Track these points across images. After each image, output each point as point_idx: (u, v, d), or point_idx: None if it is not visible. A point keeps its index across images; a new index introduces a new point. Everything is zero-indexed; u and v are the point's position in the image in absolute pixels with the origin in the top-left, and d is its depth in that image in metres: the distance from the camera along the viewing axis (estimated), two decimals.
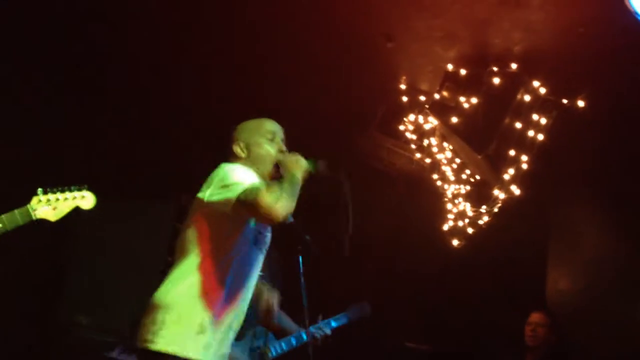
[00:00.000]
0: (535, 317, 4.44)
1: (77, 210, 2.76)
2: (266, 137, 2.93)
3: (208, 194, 2.64)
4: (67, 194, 2.71)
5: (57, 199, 2.67)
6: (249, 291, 2.78)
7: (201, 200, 2.67)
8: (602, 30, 3.58)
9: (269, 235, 2.91)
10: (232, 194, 2.55)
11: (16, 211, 2.60)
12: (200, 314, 2.60)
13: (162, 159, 5.49)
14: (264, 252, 2.89)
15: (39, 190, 2.65)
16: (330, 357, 3.95)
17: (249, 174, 2.70)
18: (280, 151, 2.92)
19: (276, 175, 2.84)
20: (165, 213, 4.89)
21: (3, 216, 2.57)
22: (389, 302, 4.50)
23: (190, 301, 2.60)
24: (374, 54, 4.17)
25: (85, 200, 2.75)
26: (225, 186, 2.59)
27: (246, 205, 2.51)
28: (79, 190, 2.74)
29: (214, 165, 5.51)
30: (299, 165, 2.76)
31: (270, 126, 2.98)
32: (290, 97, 4.85)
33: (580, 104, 3.90)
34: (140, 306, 4.53)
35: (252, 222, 2.76)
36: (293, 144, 5.22)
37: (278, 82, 4.69)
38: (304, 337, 3.92)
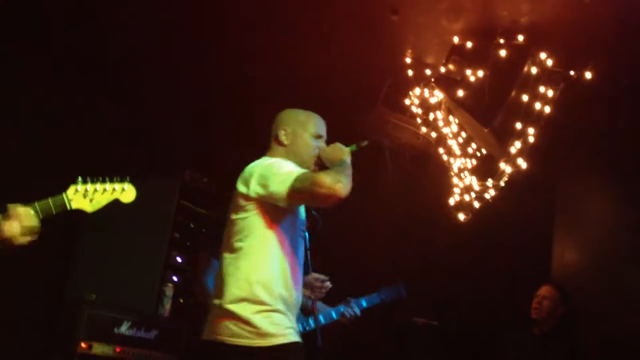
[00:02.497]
0: (542, 289, 4.45)
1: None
2: (312, 133, 2.94)
3: (255, 188, 2.65)
4: (107, 185, 2.57)
5: (95, 190, 2.53)
6: (302, 272, 2.86)
7: (246, 195, 2.68)
8: (610, 1, 3.54)
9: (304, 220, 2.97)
10: (283, 186, 2.58)
11: (50, 200, 2.47)
12: (283, 299, 2.67)
13: (165, 136, 5.48)
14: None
15: (79, 179, 2.54)
16: (337, 332, 3.97)
17: (291, 165, 2.74)
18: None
19: (316, 170, 2.85)
20: (170, 190, 4.88)
21: (36, 203, 2.45)
22: (396, 278, 4.49)
23: (271, 290, 2.65)
24: (379, 28, 4.13)
25: (126, 193, 2.61)
26: (274, 179, 2.62)
27: (303, 191, 2.54)
28: (120, 182, 2.61)
29: (219, 143, 5.52)
30: (343, 151, 2.80)
31: (319, 126, 2.99)
32: (295, 73, 4.82)
33: (588, 75, 3.87)
34: (147, 281, 4.61)
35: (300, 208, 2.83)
36: None
37: (283, 57, 4.66)
38: (336, 314, 3.92)
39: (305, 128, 2.93)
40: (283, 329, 2.65)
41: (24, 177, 4.38)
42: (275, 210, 2.68)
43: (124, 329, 4.29)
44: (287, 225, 2.74)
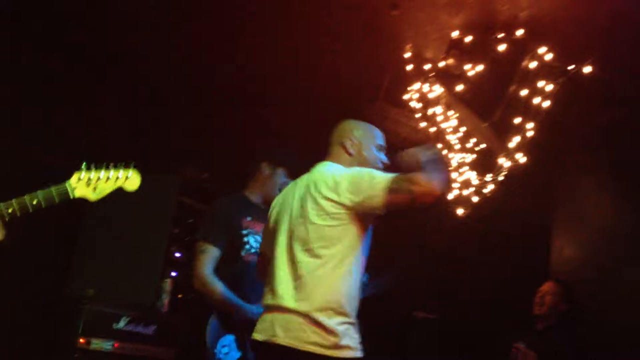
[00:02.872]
0: (545, 285, 4.45)
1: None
2: (377, 146, 2.98)
3: (349, 196, 2.63)
4: (111, 173, 2.52)
5: (99, 178, 2.47)
6: None
7: (338, 203, 2.65)
8: None
9: None
10: (379, 189, 2.56)
11: (53, 188, 2.43)
12: (356, 312, 2.66)
13: (165, 131, 5.48)
14: None
15: (83, 165, 2.50)
16: None
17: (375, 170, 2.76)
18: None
19: None
20: (170, 185, 4.88)
21: (39, 192, 2.41)
22: (396, 272, 4.48)
23: (351, 301, 2.63)
24: (378, 22, 4.12)
25: (130, 180, 2.56)
26: (367, 184, 2.60)
27: (400, 192, 2.52)
28: (125, 169, 2.57)
29: (219, 138, 5.50)
30: (419, 152, 2.76)
31: (382, 138, 3.03)
32: (295, 68, 4.82)
33: (587, 70, 3.86)
34: (147, 276, 4.60)
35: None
36: (298, 114, 5.22)
37: (281, 52, 4.65)
38: None
39: (372, 140, 2.96)
40: (357, 343, 2.63)
41: (26, 169, 4.39)
42: (365, 221, 2.66)
43: (122, 324, 4.29)
44: (368, 237, 2.73)
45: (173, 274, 4.83)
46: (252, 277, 3.64)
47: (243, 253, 3.69)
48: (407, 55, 4.33)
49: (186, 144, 5.49)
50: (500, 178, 4.50)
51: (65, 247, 4.94)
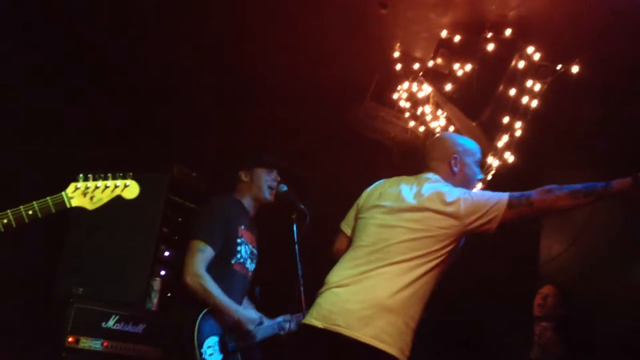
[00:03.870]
0: (546, 288, 4.48)
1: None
2: (477, 164, 3.10)
3: (469, 218, 2.71)
4: (109, 182, 2.52)
5: (96, 187, 2.48)
6: None
7: (456, 216, 2.72)
8: None
9: None
10: (497, 209, 2.68)
11: (49, 199, 2.44)
12: (416, 321, 2.73)
13: (154, 130, 5.47)
14: None
15: (80, 176, 2.49)
16: None
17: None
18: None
19: None
20: (159, 184, 4.87)
21: (35, 203, 2.42)
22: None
23: (416, 310, 2.71)
24: (367, 21, 4.13)
25: (129, 189, 2.56)
26: (483, 205, 2.72)
27: (524, 206, 2.67)
28: (123, 178, 2.57)
29: (207, 138, 5.47)
30: None
31: (480, 154, 3.14)
32: (282, 67, 4.82)
33: (575, 69, 3.89)
34: (136, 275, 4.59)
35: None
36: (287, 115, 5.22)
37: (269, 51, 4.65)
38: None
39: (475, 157, 3.08)
40: (410, 352, 2.70)
41: (18, 179, 4.38)
42: (457, 243, 2.77)
43: (111, 323, 4.27)
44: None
45: (162, 272, 4.82)
46: (238, 286, 3.66)
47: (233, 261, 3.70)
48: (396, 54, 4.35)
49: (176, 144, 5.48)
50: (489, 177, 4.51)
51: (55, 245, 4.91)
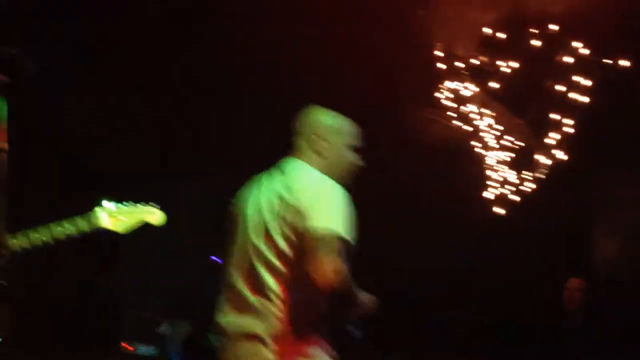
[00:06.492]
0: (573, 282, 4.38)
1: None
2: (350, 147, 2.67)
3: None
4: (133, 208, 2.66)
5: (122, 211, 2.63)
6: None
7: None
8: None
9: None
10: None
11: (78, 218, 2.57)
12: None
13: (200, 139, 5.52)
14: None
15: (104, 201, 2.62)
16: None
17: None
18: None
19: None
20: (208, 193, 4.94)
21: (65, 222, 2.54)
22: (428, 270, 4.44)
23: None
24: (408, 22, 4.10)
25: (154, 216, 2.70)
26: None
27: None
28: (148, 206, 2.71)
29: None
30: None
31: (356, 138, 2.85)
32: (326, 72, 4.81)
33: (624, 63, 3.78)
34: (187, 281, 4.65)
35: None
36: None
37: (313, 56, 4.65)
38: None
39: (346, 140, 2.47)
40: None
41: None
42: None
43: (162, 329, 4.36)
44: None
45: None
46: None
47: None
48: (439, 53, 4.29)
49: (221, 150, 5.51)
50: (541, 176, 4.42)
51: (110, 254, 5.02)
